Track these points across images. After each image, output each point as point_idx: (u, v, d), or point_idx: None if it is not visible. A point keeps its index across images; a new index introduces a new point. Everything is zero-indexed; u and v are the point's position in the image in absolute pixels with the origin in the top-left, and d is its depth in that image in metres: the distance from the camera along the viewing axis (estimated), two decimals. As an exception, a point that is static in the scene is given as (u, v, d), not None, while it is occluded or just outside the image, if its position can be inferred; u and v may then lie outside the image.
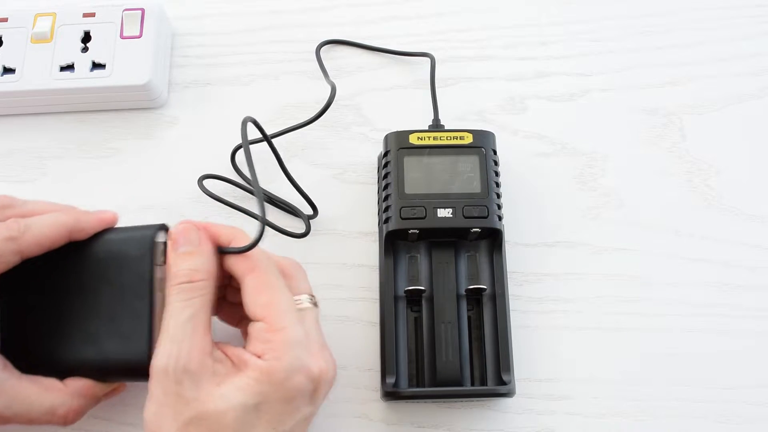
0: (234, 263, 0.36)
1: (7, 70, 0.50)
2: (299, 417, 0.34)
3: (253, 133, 0.49)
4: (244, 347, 0.35)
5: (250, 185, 0.48)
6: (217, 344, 0.35)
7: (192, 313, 0.34)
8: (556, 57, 0.53)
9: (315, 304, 0.38)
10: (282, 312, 0.34)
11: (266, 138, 0.44)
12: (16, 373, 0.36)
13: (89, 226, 0.38)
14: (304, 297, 0.37)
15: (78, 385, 0.37)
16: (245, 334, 0.39)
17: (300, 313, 0.36)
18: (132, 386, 0.43)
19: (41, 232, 0.36)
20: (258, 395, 0.33)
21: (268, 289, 0.35)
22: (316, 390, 0.35)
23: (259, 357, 0.34)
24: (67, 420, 0.37)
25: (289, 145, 0.50)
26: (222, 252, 0.36)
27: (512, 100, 0.52)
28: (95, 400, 0.38)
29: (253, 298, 0.35)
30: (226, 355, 0.35)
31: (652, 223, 0.48)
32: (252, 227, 0.47)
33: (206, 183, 0.47)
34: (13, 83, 0.49)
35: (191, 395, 0.32)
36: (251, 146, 0.48)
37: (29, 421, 0.36)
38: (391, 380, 0.41)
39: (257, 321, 0.35)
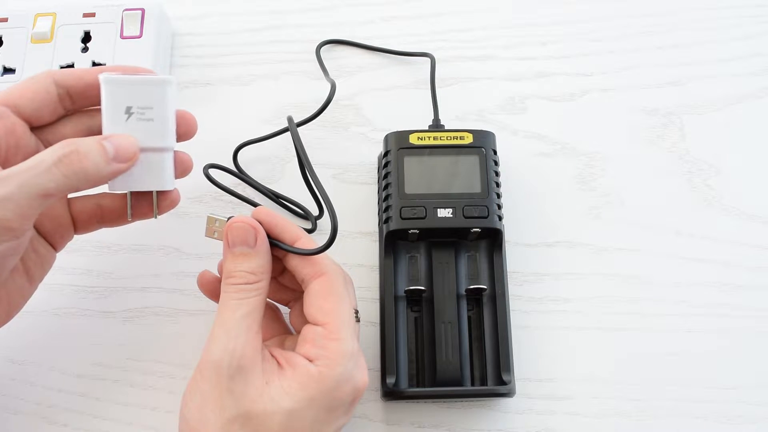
0: (300, 265, 0.36)
1: (7, 70, 0.50)
2: (335, 426, 0.35)
3: (252, 133, 0.49)
4: (289, 348, 0.36)
5: (257, 185, 0.48)
6: (263, 345, 0.36)
7: (248, 311, 0.34)
8: (556, 57, 0.53)
9: (358, 320, 0.38)
10: (343, 322, 0.35)
11: (297, 139, 0.43)
12: None
13: (116, 66, 0.37)
14: (354, 310, 0.38)
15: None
16: (264, 333, 0.39)
17: (356, 326, 0.37)
18: (130, 386, 0.43)
19: (72, 69, 0.37)
20: (304, 400, 0.33)
21: (334, 296, 0.35)
22: (354, 401, 0.35)
23: (310, 361, 0.34)
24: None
25: (289, 144, 0.49)
26: (288, 251, 0.36)
27: (512, 100, 0.52)
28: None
29: (318, 303, 0.35)
30: (272, 355, 0.35)
31: (652, 223, 0.48)
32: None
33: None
34: (13, 83, 0.49)
35: (241, 391, 0.33)
36: (261, 144, 0.48)
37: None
38: (391, 380, 0.41)
39: (317, 325, 0.35)
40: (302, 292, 0.37)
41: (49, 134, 0.38)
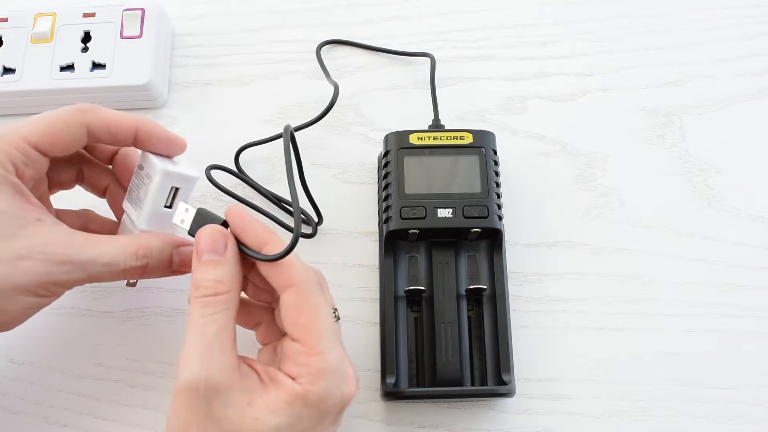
0: (271, 273, 0.34)
1: (7, 70, 0.50)
2: None
3: (252, 133, 0.49)
4: (275, 365, 0.35)
5: (258, 187, 0.48)
6: (242, 358, 0.34)
7: (219, 328, 0.32)
8: (556, 57, 0.53)
9: (338, 318, 0.36)
10: (321, 335, 0.33)
11: (295, 148, 0.44)
12: (81, 232, 0.36)
13: (156, 132, 0.38)
14: (333, 310, 0.36)
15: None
16: (264, 338, 0.39)
17: (338, 332, 0.35)
18: (130, 386, 0.43)
19: (110, 113, 0.37)
20: (290, 417, 0.32)
21: (308, 308, 0.33)
22: (342, 410, 0.35)
23: (293, 378, 0.33)
24: (135, 263, 0.36)
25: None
26: (249, 255, 0.34)
27: (512, 100, 0.52)
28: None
29: (291, 318, 0.34)
30: (253, 369, 0.34)
31: (652, 223, 0.48)
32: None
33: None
34: (13, 83, 0.49)
35: (221, 414, 0.31)
36: (262, 145, 0.48)
37: (101, 270, 0.35)
38: (391, 380, 0.41)
39: (294, 341, 0.34)
40: None
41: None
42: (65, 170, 0.40)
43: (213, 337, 0.32)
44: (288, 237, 0.44)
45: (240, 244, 0.35)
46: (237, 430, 0.32)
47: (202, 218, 0.36)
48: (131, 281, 0.39)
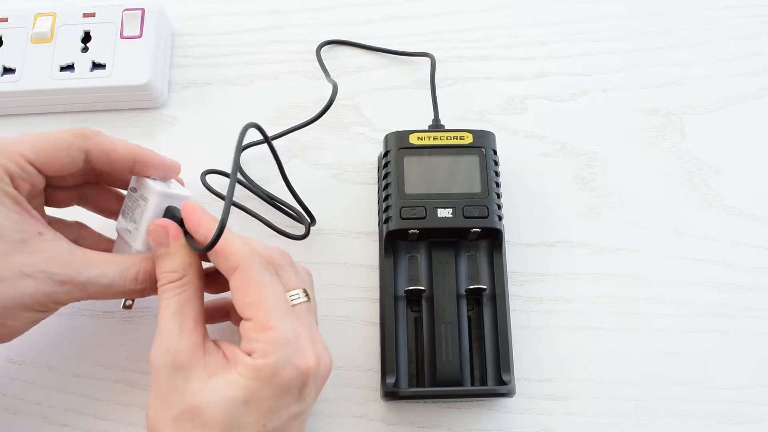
0: (216, 260, 0.36)
1: (7, 70, 0.50)
2: (288, 414, 0.35)
3: (253, 136, 0.49)
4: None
5: (252, 186, 0.48)
6: (214, 341, 0.36)
7: (176, 309, 0.35)
8: (556, 57, 0.53)
9: (308, 298, 0.37)
10: (268, 311, 0.34)
11: (270, 145, 0.44)
12: (81, 248, 0.37)
13: (152, 160, 0.39)
14: (296, 292, 0.37)
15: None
16: None
17: (291, 309, 0.36)
18: (130, 386, 0.43)
19: (110, 141, 0.38)
20: (246, 390, 0.33)
21: (253, 287, 0.35)
22: (304, 385, 0.35)
23: (248, 355, 0.34)
24: (134, 287, 0.37)
25: (289, 144, 0.50)
26: (192, 248, 0.37)
27: (512, 100, 0.52)
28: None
29: (239, 299, 0.35)
30: (219, 348, 0.35)
31: (652, 223, 0.48)
32: (250, 227, 0.47)
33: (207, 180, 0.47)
34: (13, 83, 0.49)
35: (183, 387, 0.33)
36: (256, 147, 0.48)
37: (100, 291, 0.37)
38: (391, 380, 0.41)
39: (247, 320, 0.35)
40: None
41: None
42: (63, 191, 0.41)
43: (171, 317, 0.35)
44: (283, 239, 0.46)
45: (187, 236, 0.37)
46: (196, 401, 0.33)
47: (168, 216, 0.38)
48: (128, 303, 0.40)
